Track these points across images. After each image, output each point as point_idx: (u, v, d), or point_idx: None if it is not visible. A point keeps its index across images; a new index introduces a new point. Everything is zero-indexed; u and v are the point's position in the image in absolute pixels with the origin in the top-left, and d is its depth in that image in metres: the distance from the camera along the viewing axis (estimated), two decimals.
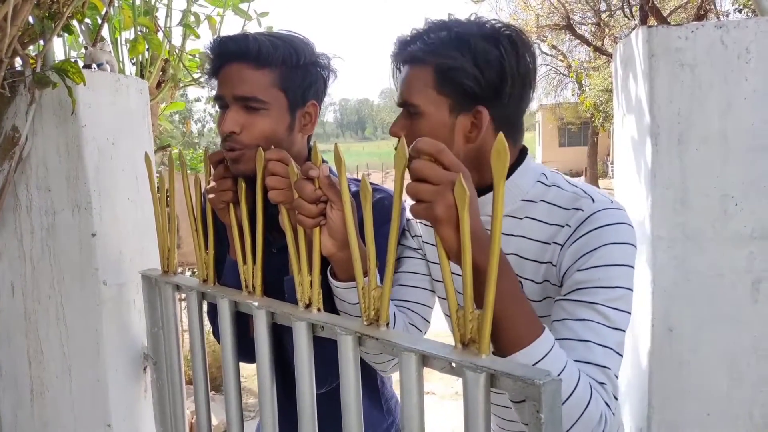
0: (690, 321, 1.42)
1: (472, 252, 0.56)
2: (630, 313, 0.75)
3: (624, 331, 0.74)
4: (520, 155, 0.86)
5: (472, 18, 0.82)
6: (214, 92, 0.93)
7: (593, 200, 0.79)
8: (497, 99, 0.79)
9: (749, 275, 1.39)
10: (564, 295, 0.76)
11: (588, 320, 0.72)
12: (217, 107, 0.95)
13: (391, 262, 0.63)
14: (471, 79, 0.77)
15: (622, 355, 0.73)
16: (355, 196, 0.69)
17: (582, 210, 0.78)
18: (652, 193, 1.41)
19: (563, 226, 0.79)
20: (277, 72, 0.89)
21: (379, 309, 0.65)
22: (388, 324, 0.65)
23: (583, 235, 0.76)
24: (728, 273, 1.39)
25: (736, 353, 1.41)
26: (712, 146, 1.37)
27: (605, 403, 0.68)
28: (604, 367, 0.70)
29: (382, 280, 0.65)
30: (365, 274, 0.67)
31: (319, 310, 0.72)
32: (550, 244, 0.80)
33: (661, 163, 1.39)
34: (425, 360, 0.58)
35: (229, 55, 0.88)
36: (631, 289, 0.75)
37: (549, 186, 0.84)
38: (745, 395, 1.42)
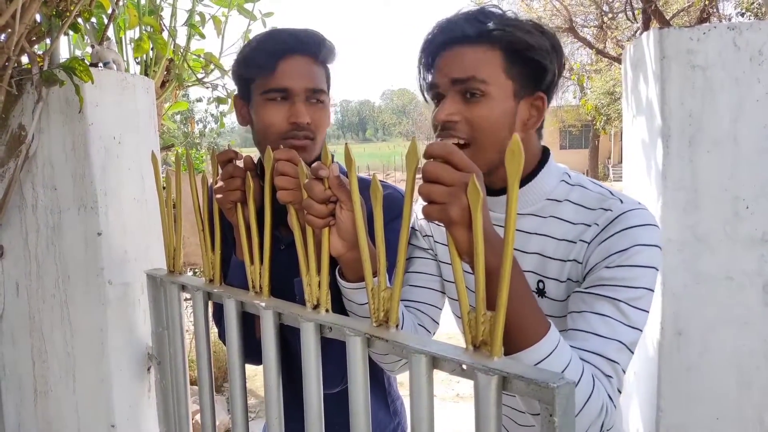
0: (699, 324, 1.41)
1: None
2: (648, 312, 0.75)
3: (641, 330, 0.74)
4: (543, 154, 0.85)
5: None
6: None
7: (621, 201, 0.79)
8: (551, 88, 0.79)
9: (760, 278, 1.38)
10: (585, 288, 0.76)
11: (607, 316, 0.72)
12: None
13: (401, 263, 0.62)
14: (548, 59, 0.76)
15: (633, 352, 0.74)
16: (362, 192, 0.69)
17: (611, 210, 0.78)
18: (662, 195, 1.40)
19: (590, 225, 0.79)
20: (327, 68, 0.99)
21: (389, 310, 0.64)
22: (397, 325, 0.64)
23: (613, 235, 0.76)
24: (738, 276, 1.38)
25: (745, 357, 1.40)
26: (723, 148, 1.36)
27: (608, 395, 0.69)
28: (614, 362, 0.71)
29: (391, 279, 0.64)
30: (374, 274, 0.67)
31: (327, 311, 0.71)
32: (576, 242, 0.80)
33: (671, 165, 1.38)
34: (435, 362, 0.57)
35: (295, 49, 0.93)
36: (653, 290, 0.75)
37: (573, 186, 0.84)
38: (754, 399, 1.41)
